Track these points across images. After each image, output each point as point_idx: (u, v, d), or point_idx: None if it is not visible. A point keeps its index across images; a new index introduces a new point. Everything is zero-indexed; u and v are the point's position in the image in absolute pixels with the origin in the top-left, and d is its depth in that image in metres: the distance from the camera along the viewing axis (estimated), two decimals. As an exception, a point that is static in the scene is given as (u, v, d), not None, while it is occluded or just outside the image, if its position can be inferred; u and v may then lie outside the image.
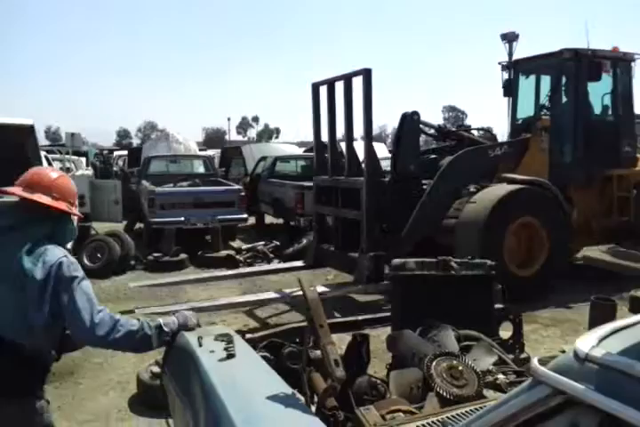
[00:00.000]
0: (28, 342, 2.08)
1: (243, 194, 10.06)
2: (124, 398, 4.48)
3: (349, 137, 7.28)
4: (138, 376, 4.44)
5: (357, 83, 6.74)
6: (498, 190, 7.11)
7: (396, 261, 2.83)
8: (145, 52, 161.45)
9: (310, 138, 8.69)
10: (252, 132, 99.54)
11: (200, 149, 19.97)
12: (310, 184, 8.41)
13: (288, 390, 1.78)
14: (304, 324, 2.95)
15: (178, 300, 7.17)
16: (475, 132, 8.74)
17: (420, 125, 7.53)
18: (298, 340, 2.72)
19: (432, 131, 8.18)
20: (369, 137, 6.86)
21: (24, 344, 2.07)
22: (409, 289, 2.80)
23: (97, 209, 10.05)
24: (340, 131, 7.52)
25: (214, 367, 1.97)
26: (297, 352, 2.53)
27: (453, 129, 8.64)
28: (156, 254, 9.11)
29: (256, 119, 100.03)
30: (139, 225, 12.26)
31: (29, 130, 5.50)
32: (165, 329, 2.22)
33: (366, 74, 6.56)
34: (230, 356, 2.06)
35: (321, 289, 7.04)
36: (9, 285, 2.07)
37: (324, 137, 7.65)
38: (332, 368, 1.66)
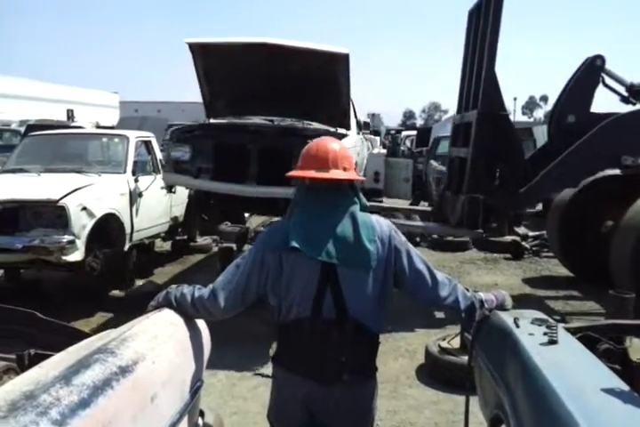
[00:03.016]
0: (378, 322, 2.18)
1: (534, 178, 9.61)
2: (411, 366, 4.72)
3: (480, 63, 6.08)
4: (427, 348, 4.63)
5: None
6: None
7: None
8: (431, 35, 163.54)
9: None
10: (539, 113, 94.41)
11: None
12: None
13: (624, 385, 1.68)
14: (626, 321, 2.75)
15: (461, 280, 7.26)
16: None
17: (605, 76, 6.07)
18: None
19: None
20: (491, 62, 5.79)
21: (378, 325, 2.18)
22: None
23: (388, 186, 10.60)
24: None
25: (536, 351, 1.95)
26: (614, 350, 2.37)
27: None
28: (440, 233, 9.29)
29: (545, 99, 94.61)
30: (422, 203, 12.62)
31: (344, 59, 5.42)
32: (486, 305, 2.25)
33: None
34: (552, 342, 2.02)
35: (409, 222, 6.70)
36: (360, 269, 2.09)
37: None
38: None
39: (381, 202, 10.21)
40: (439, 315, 5.65)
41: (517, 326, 2.17)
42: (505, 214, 6.44)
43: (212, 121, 6.61)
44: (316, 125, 6.58)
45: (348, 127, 6.49)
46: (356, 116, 8.01)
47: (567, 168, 5.90)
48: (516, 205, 6.13)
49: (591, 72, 6.07)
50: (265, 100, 6.29)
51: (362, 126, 8.47)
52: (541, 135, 14.50)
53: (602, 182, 6.70)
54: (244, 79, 6.10)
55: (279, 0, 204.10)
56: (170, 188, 7.15)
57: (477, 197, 5.80)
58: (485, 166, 5.97)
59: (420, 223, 7.27)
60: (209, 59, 5.93)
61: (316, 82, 5.82)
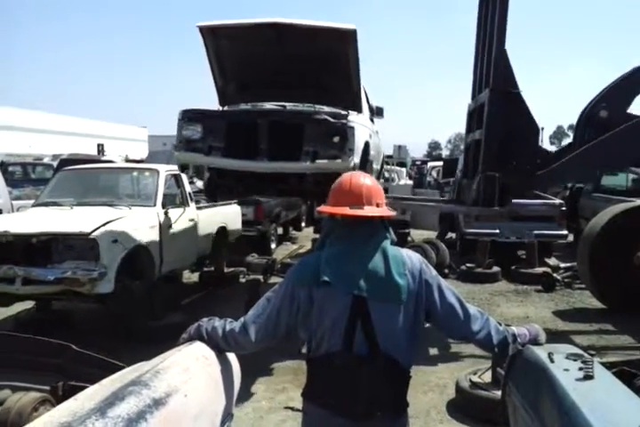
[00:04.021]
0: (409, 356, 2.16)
1: (564, 209, 9.51)
2: (442, 401, 4.63)
3: (491, 44, 5.99)
4: (457, 383, 4.54)
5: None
6: None
7: None
8: (456, 65, 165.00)
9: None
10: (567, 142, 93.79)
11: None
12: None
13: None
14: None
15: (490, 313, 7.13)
16: None
17: None
18: None
19: None
20: (500, 40, 5.72)
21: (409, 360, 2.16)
22: None
23: (415, 217, 10.60)
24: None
25: (572, 386, 1.91)
26: (652, 386, 2.30)
27: None
28: (469, 265, 9.21)
29: (573, 128, 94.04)
30: (450, 235, 12.53)
31: (351, 35, 5.40)
32: (519, 340, 2.22)
33: None
34: (588, 377, 1.97)
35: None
36: (390, 303, 2.08)
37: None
38: None
39: (408, 233, 10.21)
40: (469, 348, 5.54)
41: (552, 362, 2.13)
42: (520, 193, 6.31)
43: (225, 109, 6.60)
44: (327, 109, 6.55)
45: (359, 110, 6.47)
46: (368, 102, 7.95)
47: (589, 158, 5.83)
48: (532, 185, 6.02)
49: (637, 76, 6.06)
50: (276, 83, 6.30)
51: (374, 111, 8.37)
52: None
53: (633, 212, 6.60)
54: (255, 63, 6.12)
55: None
56: (182, 167, 7.20)
57: (493, 174, 5.73)
58: (500, 145, 5.90)
59: (434, 203, 7.19)
60: (220, 42, 5.94)
61: (326, 63, 5.89)
